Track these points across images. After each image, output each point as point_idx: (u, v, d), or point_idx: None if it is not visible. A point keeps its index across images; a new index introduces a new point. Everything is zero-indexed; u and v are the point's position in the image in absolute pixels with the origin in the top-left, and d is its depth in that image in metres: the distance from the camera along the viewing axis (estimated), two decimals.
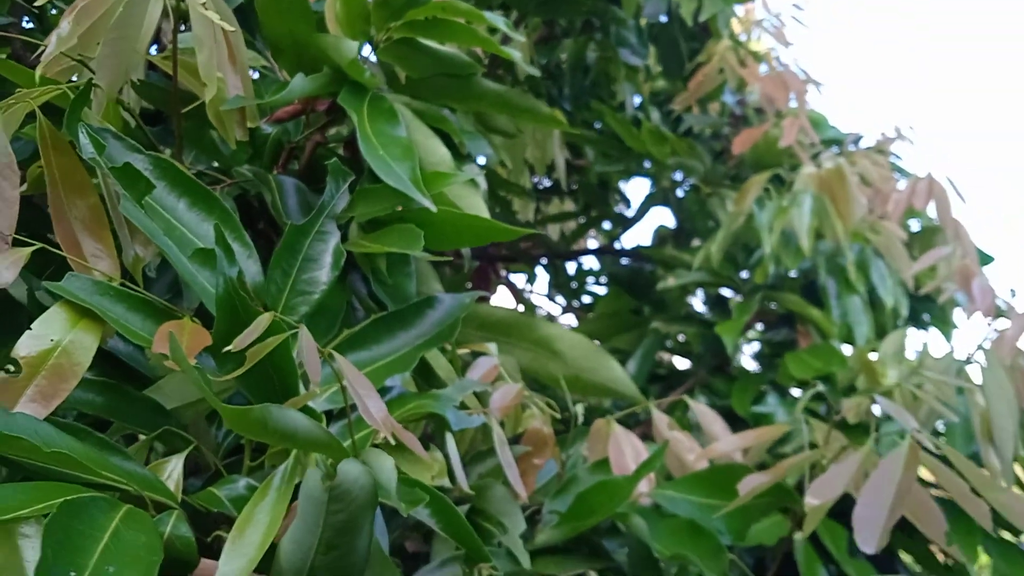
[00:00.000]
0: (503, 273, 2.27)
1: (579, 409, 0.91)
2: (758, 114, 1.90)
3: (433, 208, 0.75)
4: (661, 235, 2.10)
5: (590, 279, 2.36)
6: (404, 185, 0.76)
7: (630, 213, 2.08)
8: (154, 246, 0.73)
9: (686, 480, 0.81)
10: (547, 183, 2.14)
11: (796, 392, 1.37)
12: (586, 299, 2.39)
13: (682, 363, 1.87)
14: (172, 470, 0.62)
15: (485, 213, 0.86)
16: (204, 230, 0.69)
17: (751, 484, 0.73)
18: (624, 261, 1.93)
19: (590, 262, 2.17)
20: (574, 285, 2.40)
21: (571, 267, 2.33)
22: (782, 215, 1.35)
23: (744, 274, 1.60)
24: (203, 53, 0.70)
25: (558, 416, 0.86)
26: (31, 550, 0.53)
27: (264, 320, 0.53)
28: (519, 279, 2.42)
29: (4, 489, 0.48)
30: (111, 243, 0.68)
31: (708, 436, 0.93)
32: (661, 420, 0.91)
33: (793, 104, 1.74)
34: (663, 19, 1.61)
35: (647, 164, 1.88)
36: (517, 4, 1.31)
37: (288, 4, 0.85)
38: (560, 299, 2.42)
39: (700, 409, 0.95)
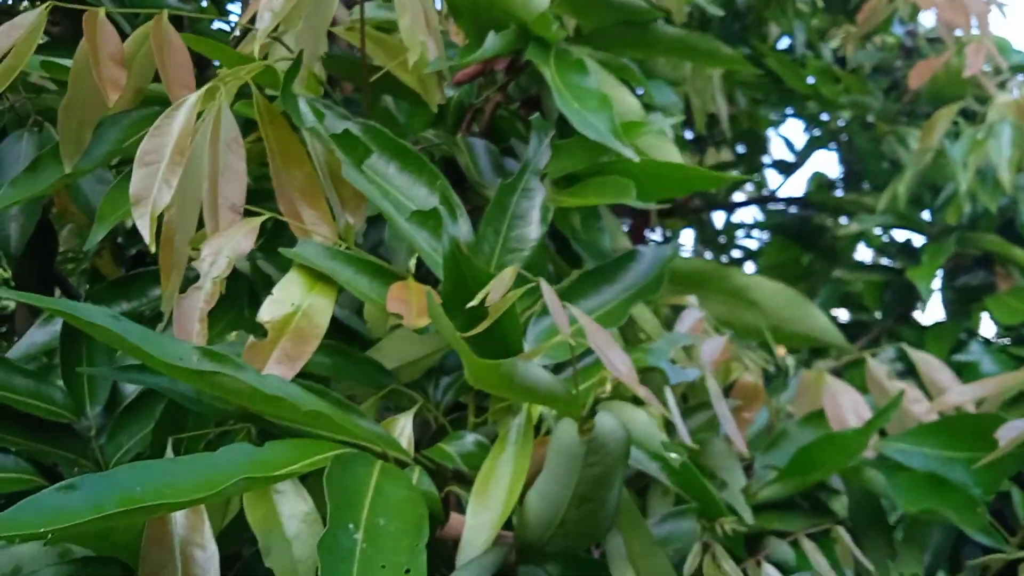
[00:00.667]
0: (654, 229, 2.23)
1: (791, 360, 0.87)
2: (931, 44, 1.77)
3: (635, 158, 0.73)
4: (820, 181, 2.00)
5: (738, 232, 2.29)
6: (604, 136, 0.74)
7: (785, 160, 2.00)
8: (363, 212, 0.74)
9: (919, 431, 0.76)
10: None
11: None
12: (735, 253, 2.32)
13: (841, 314, 1.78)
14: (403, 428, 0.63)
15: (677, 158, 0.83)
16: (415, 192, 0.70)
17: (1014, 432, 0.68)
18: (787, 210, 1.85)
19: (742, 215, 2.10)
20: (722, 239, 2.33)
21: (718, 221, 2.25)
22: (978, 148, 1.25)
23: (926, 215, 1.50)
24: (406, 18, 0.70)
25: (769, 368, 0.83)
26: (286, 504, 0.56)
27: (509, 274, 0.53)
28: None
29: (270, 447, 0.49)
30: (327, 210, 0.70)
31: (932, 386, 0.88)
32: (879, 370, 0.86)
33: (975, 30, 1.61)
34: None
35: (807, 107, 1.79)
36: None
37: None
38: (707, 255, 2.36)
39: (923, 358, 0.89)
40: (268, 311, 0.58)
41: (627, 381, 0.51)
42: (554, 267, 0.88)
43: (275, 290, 0.59)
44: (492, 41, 0.80)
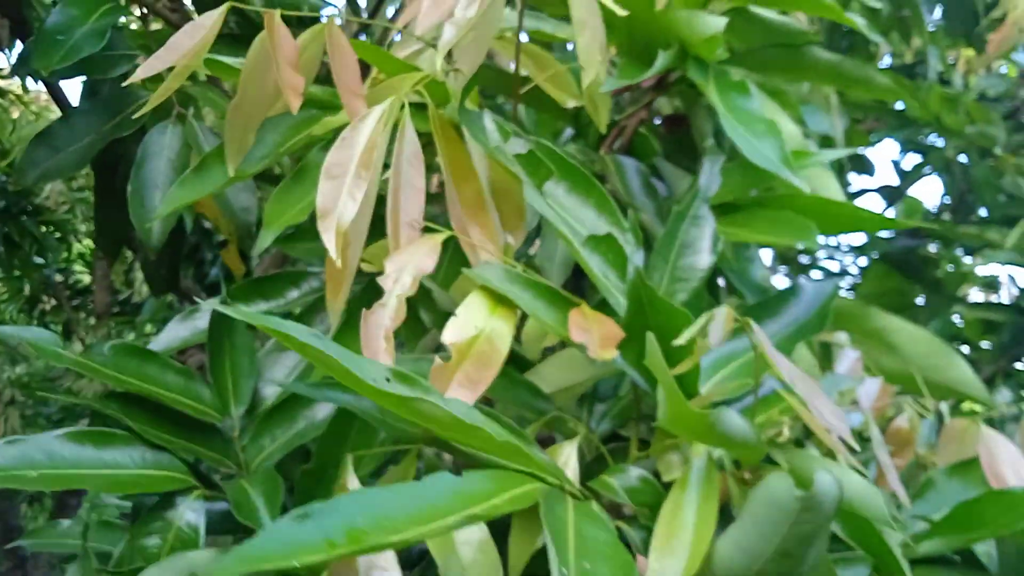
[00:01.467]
0: None
1: (944, 408, 0.84)
2: None
3: (807, 190, 0.70)
4: (916, 208, 1.95)
5: (819, 252, 2.23)
6: (774, 165, 0.72)
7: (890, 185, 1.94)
8: (523, 231, 0.73)
9: None
10: None
11: None
12: (815, 275, 2.27)
13: None
14: (568, 457, 0.62)
15: (840, 196, 0.80)
16: (583, 214, 0.69)
17: None
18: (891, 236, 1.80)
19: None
20: (805, 259, 2.28)
21: None
22: None
23: None
24: (585, 36, 0.69)
25: (927, 414, 0.80)
26: (462, 531, 0.55)
27: (725, 314, 0.51)
28: None
29: (470, 479, 0.49)
30: (493, 229, 0.69)
31: None
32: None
33: None
34: None
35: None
36: None
37: None
38: (782, 270, 2.31)
39: None
40: (452, 333, 0.57)
41: (841, 435, 0.49)
42: None
43: (458, 311, 0.58)
44: (661, 60, 0.78)
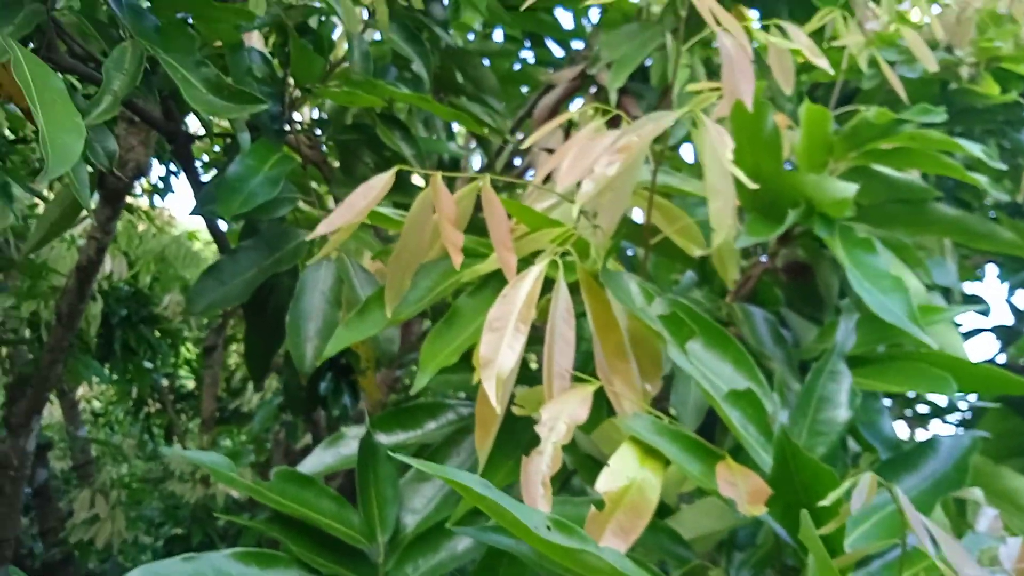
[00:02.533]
0: None
1: None
2: None
3: (935, 346, 0.72)
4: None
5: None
6: (901, 321, 0.74)
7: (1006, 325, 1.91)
8: (659, 381, 0.77)
9: None
10: None
11: None
12: (921, 408, 2.21)
13: None
14: None
15: (964, 353, 0.82)
16: (721, 369, 0.72)
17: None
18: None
19: None
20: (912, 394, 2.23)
21: None
22: None
23: None
24: (717, 202, 0.74)
25: None
26: None
27: (870, 480, 0.53)
28: None
29: None
30: (633, 378, 0.73)
31: None
32: None
33: None
34: None
35: None
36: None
37: (761, 142, 0.88)
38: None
39: None
40: (606, 482, 0.61)
41: None
42: None
43: (611, 461, 0.62)
44: (791, 218, 0.82)
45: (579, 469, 0.76)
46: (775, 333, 0.87)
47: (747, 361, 0.72)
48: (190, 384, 4.50)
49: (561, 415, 0.64)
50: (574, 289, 0.76)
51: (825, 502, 0.55)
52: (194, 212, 1.00)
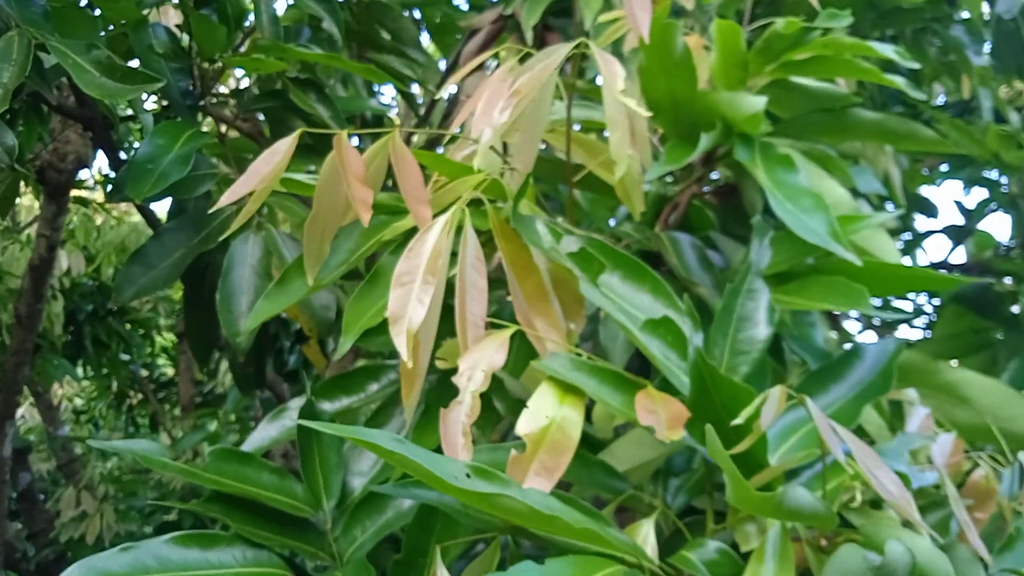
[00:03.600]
0: None
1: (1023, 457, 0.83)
2: None
3: (858, 262, 0.72)
4: (987, 245, 1.92)
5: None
6: (823, 239, 0.74)
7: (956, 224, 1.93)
8: (583, 318, 0.76)
9: None
10: None
11: None
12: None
13: None
14: (647, 535, 0.64)
15: (896, 256, 0.82)
16: (639, 300, 0.72)
17: None
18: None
19: None
20: (877, 302, 2.25)
21: None
22: None
23: None
24: (616, 133, 0.73)
25: (1000, 467, 0.80)
26: None
27: (779, 393, 0.53)
28: None
29: (554, 567, 0.51)
30: (555, 319, 0.73)
31: None
32: None
33: None
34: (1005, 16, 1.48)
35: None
36: (854, 15, 1.25)
37: (673, 65, 0.87)
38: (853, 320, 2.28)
39: None
40: (526, 424, 0.61)
41: (902, 505, 0.50)
42: None
43: (530, 402, 0.62)
44: (704, 142, 0.81)
45: (512, 415, 0.76)
46: (702, 259, 0.86)
47: (664, 289, 0.72)
48: (170, 372, 4.48)
49: (479, 363, 0.64)
50: (492, 238, 0.75)
51: (738, 420, 0.55)
52: (109, 199, 0.98)
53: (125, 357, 3.56)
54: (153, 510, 3.05)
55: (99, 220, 3.41)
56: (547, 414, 0.61)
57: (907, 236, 1.91)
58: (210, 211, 0.78)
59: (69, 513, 2.57)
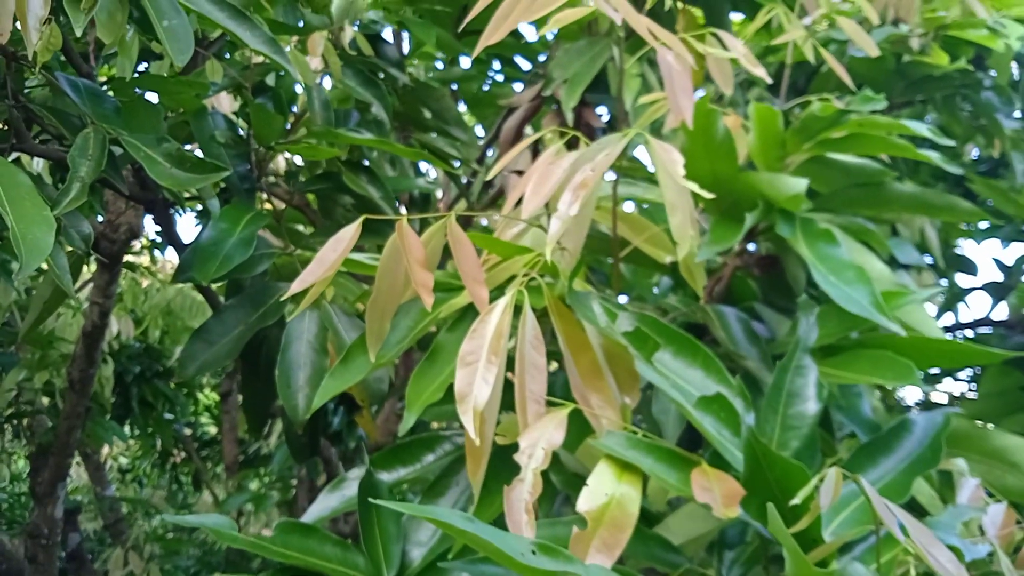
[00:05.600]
0: None
1: None
2: None
3: (903, 334, 0.74)
4: None
5: None
6: (867, 312, 0.77)
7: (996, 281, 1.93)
8: (638, 393, 0.79)
9: None
10: None
11: None
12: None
13: None
14: None
15: (936, 330, 0.84)
16: (690, 375, 0.74)
17: None
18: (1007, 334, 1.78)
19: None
20: None
21: None
22: None
23: None
24: (676, 217, 0.76)
25: None
26: None
27: (835, 475, 0.55)
28: None
29: None
30: (610, 395, 0.75)
31: None
32: None
33: None
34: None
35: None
36: (882, 88, 1.29)
37: (715, 147, 0.90)
38: None
39: None
40: (586, 501, 0.63)
41: None
42: None
43: (589, 480, 0.64)
44: (749, 221, 0.85)
45: (568, 489, 0.78)
46: (748, 331, 0.89)
47: (716, 365, 0.74)
48: (212, 430, 4.54)
49: (539, 441, 0.66)
50: (547, 313, 0.78)
51: (795, 500, 0.57)
52: (175, 280, 1.03)
53: (169, 416, 3.63)
54: (198, 570, 3.08)
55: (145, 283, 3.50)
56: (606, 492, 0.64)
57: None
58: (282, 298, 0.82)
59: (117, 573, 2.61)
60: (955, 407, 0.74)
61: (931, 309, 1.85)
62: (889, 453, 0.75)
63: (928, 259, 1.65)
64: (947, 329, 1.94)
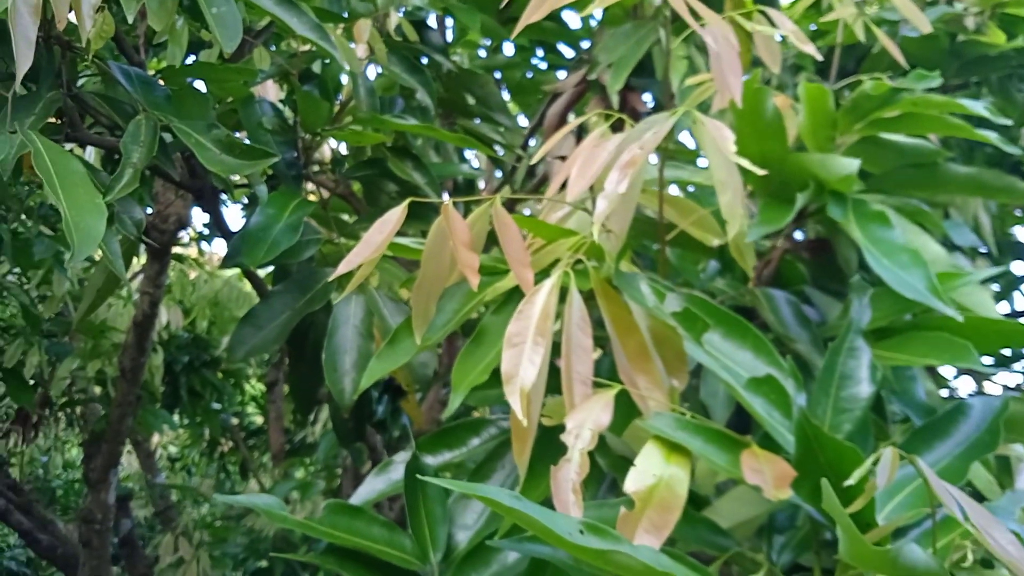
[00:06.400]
0: None
1: None
2: None
3: (959, 318, 0.73)
4: None
5: None
6: (923, 295, 0.75)
7: None
8: (686, 375, 0.78)
9: None
10: None
11: None
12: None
13: None
14: None
15: (995, 311, 0.82)
16: (740, 356, 0.73)
17: None
18: None
19: None
20: None
21: None
22: None
23: None
24: (726, 195, 0.75)
25: None
26: None
27: (891, 455, 0.54)
28: None
29: None
30: (658, 377, 0.75)
31: None
32: None
33: None
34: None
35: None
36: (936, 68, 1.26)
37: (764, 127, 0.89)
38: None
39: None
40: (633, 482, 0.63)
41: (1017, 565, 0.50)
42: None
43: (637, 461, 0.64)
44: (800, 202, 0.83)
45: (615, 471, 0.78)
46: (798, 314, 0.87)
47: (766, 347, 0.73)
48: (259, 420, 4.61)
49: (585, 422, 0.66)
50: (592, 297, 0.78)
51: (850, 481, 0.56)
52: (223, 265, 1.04)
53: (216, 406, 3.69)
54: (246, 556, 3.13)
55: (193, 275, 3.57)
56: (654, 473, 0.63)
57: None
58: (329, 279, 0.83)
59: (167, 559, 2.66)
60: (1012, 392, 0.72)
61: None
62: (945, 437, 0.73)
63: (982, 246, 1.61)
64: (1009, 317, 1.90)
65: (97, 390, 2.82)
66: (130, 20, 0.74)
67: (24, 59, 0.69)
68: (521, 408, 0.66)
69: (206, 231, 3.53)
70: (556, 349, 0.73)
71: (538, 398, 0.72)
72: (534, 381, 0.69)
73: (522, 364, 0.67)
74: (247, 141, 1.11)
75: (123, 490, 2.89)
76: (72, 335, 2.63)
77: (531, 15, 0.78)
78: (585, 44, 1.76)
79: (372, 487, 0.94)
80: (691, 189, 1.14)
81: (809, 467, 0.62)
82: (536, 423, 0.72)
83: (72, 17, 0.80)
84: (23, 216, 1.91)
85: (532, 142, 1.52)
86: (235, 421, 4.26)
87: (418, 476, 0.86)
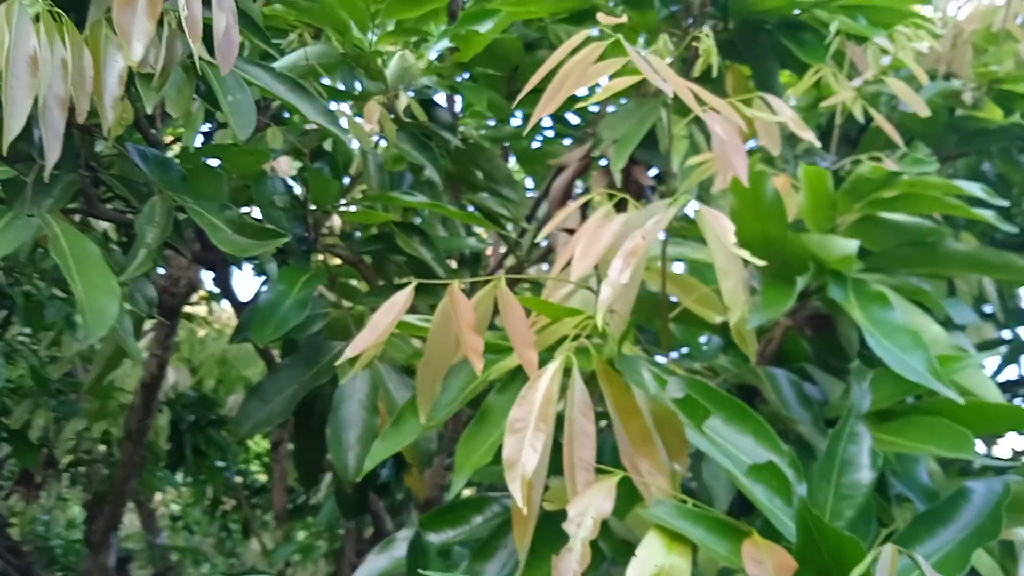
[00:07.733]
0: None
1: None
2: None
3: (961, 401, 0.73)
4: None
5: None
6: (923, 378, 0.75)
7: None
8: (687, 459, 0.79)
9: None
10: None
11: None
12: None
13: None
14: None
15: (995, 393, 0.82)
16: (742, 443, 0.74)
17: None
18: None
19: None
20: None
21: None
22: None
23: None
24: (728, 282, 0.77)
25: None
26: None
27: (890, 553, 0.55)
28: None
29: None
30: (660, 461, 0.75)
31: None
32: None
33: None
34: None
35: None
36: (935, 141, 1.28)
37: (764, 209, 0.91)
38: None
39: None
40: (635, 572, 0.63)
41: None
42: None
43: (638, 551, 0.64)
44: (800, 284, 0.84)
45: (616, 555, 0.78)
46: (800, 395, 0.88)
47: (767, 432, 0.74)
48: (262, 478, 4.58)
49: (588, 510, 0.66)
50: (595, 375, 0.79)
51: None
52: (233, 340, 1.06)
53: (220, 464, 3.67)
54: None
55: (201, 333, 3.58)
56: (656, 563, 0.63)
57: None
58: (336, 363, 0.84)
59: None
60: (1013, 475, 0.73)
61: (993, 361, 1.81)
62: (947, 523, 0.73)
63: (988, 309, 1.62)
64: (1009, 383, 1.89)
65: (101, 449, 2.82)
66: (149, 111, 0.77)
67: (53, 152, 0.72)
68: (522, 496, 0.66)
69: (216, 290, 3.55)
70: (559, 426, 0.74)
71: (539, 483, 0.72)
72: (535, 468, 0.69)
73: (524, 451, 0.68)
74: (257, 214, 1.13)
75: (123, 552, 2.87)
76: (80, 396, 2.63)
77: (545, 108, 0.81)
78: (593, 108, 1.79)
79: (374, 565, 0.94)
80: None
81: (810, 558, 0.62)
82: (537, 509, 0.73)
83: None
84: (36, 276, 1.94)
85: (539, 211, 1.54)
86: (238, 479, 4.24)
87: (423, 552, 0.87)
